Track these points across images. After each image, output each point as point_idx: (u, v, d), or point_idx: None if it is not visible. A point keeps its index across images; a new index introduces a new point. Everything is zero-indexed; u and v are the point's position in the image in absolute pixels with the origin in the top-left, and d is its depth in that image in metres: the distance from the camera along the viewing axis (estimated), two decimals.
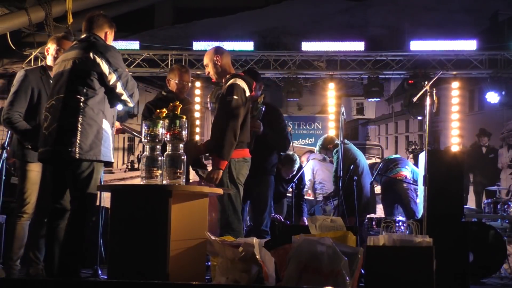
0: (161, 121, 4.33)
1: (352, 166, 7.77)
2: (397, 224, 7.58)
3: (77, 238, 4.61)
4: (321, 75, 11.74)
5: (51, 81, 5.04)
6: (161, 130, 4.32)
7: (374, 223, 7.68)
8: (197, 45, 11.73)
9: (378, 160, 12.34)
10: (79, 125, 4.59)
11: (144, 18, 14.79)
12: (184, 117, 4.39)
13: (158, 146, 4.33)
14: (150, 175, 4.27)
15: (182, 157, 4.29)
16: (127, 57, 11.56)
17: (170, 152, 4.28)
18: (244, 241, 4.29)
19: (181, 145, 4.32)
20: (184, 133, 4.34)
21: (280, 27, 14.35)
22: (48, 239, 4.73)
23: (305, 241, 4.00)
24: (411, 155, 12.50)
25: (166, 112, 4.43)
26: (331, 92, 11.71)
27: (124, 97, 4.79)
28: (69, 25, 11.19)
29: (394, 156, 9.40)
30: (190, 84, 6.28)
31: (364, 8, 14.31)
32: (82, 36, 4.99)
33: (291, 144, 8.82)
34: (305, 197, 8.71)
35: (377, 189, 9.25)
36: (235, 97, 5.33)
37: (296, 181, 7.86)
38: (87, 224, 4.69)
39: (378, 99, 11.61)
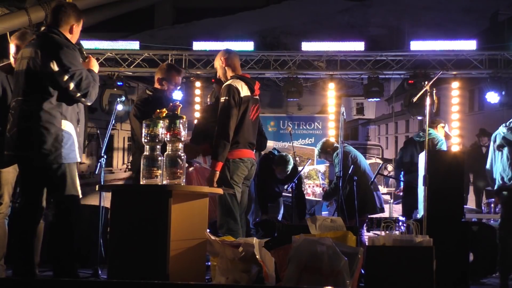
0: (161, 121, 4.32)
1: (352, 167, 7.76)
2: (397, 224, 7.58)
3: (66, 239, 4.60)
4: (321, 75, 11.73)
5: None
6: (161, 130, 4.31)
7: (374, 223, 7.67)
8: (197, 45, 11.71)
9: (379, 160, 12.34)
10: (36, 130, 4.52)
11: (144, 18, 14.82)
12: (184, 117, 4.38)
13: (158, 146, 4.32)
14: (150, 175, 4.27)
15: (182, 157, 4.29)
16: (127, 57, 11.56)
17: (170, 152, 4.28)
18: (244, 241, 4.29)
19: (181, 145, 4.32)
20: (184, 133, 4.34)
21: (280, 27, 14.37)
22: (27, 236, 4.67)
23: (305, 241, 3.99)
24: None
25: (166, 112, 4.42)
26: (331, 92, 11.71)
27: (79, 97, 4.66)
28: None
29: None
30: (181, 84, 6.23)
31: (364, 8, 14.34)
32: (41, 29, 4.87)
33: (291, 144, 8.83)
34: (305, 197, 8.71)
35: (379, 188, 9.25)
36: (226, 98, 5.38)
37: (296, 181, 7.86)
38: (73, 224, 4.65)
39: (378, 99, 11.60)
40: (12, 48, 5.33)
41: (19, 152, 4.61)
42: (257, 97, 5.71)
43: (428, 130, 5.92)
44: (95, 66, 4.99)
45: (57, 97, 4.60)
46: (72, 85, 4.60)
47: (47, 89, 4.58)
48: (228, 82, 5.49)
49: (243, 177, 5.52)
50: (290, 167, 7.99)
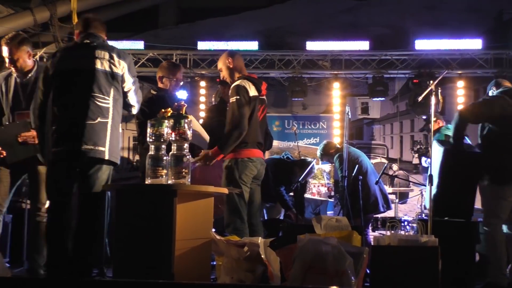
0: (166, 121, 4.33)
1: (356, 166, 7.75)
2: (402, 224, 7.57)
3: (90, 236, 4.64)
4: (326, 75, 11.73)
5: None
6: (166, 129, 4.32)
7: (379, 222, 7.65)
8: (202, 45, 11.73)
9: (384, 160, 12.32)
10: (109, 127, 4.66)
11: (149, 18, 14.82)
12: (190, 116, 4.38)
13: (163, 146, 4.33)
14: (155, 174, 4.27)
15: (187, 157, 4.29)
16: (132, 56, 11.57)
17: (175, 152, 4.28)
18: (249, 241, 4.29)
19: (186, 145, 4.32)
20: (189, 132, 4.34)
21: (285, 26, 14.36)
22: (58, 233, 4.66)
23: (310, 241, 3.99)
24: (416, 155, 12.48)
25: (171, 111, 4.42)
26: (336, 92, 11.70)
27: (133, 102, 4.87)
28: (74, 25, 11.21)
29: None
30: (182, 81, 6.28)
31: (368, 7, 14.32)
32: (89, 36, 4.91)
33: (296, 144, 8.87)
34: (310, 197, 8.73)
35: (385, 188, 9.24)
36: (237, 97, 5.41)
37: (301, 181, 7.88)
38: (99, 223, 4.73)
39: (383, 99, 11.60)
40: (5, 50, 5.46)
41: (85, 146, 4.58)
42: (264, 97, 5.73)
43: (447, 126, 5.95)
44: None
45: (122, 100, 4.81)
46: (131, 92, 4.82)
47: (118, 90, 4.76)
48: (236, 83, 5.52)
49: (251, 176, 5.53)
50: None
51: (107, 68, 4.71)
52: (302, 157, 8.51)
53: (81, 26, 4.98)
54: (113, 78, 4.72)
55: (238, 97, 5.41)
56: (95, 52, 4.74)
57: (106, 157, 4.62)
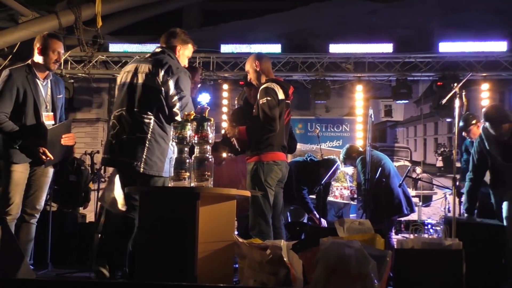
0: (189, 124, 4.34)
1: (379, 169, 7.72)
2: (426, 227, 7.51)
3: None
4: (349, 77, 11.71)
5: (45, 86, 5.29)
6: (189, 132, 4.33)
7: (402, 225, 7.61)
8: (225, 48, 11.76)
9: (407, 163, 12.24)
10: (147, 141, 4.83)
11: (172, 21, 14.86)
12: (212, 119, 4.39)
13: (186, 149, 4.34)
14: (178, 177, 4.28)
15: (210, 159, 4.30)
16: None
17: (198, 155, 4.29)
18: (272, 244, 4.28)
19: (209, 148, 4.33)
20: (212, 135, 4.35)
21: (308, 29, 14.31)
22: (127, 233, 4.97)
23: (333, 244, 3.97)
24: (440, 158, 12.39)
25: (194, 114, 4.43)
26: (359, 94, 11.67)
27: (178, 118, 4.88)
28: (98, 29, 11.33)
29: None
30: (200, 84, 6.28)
31: (392, 9, 14.22)
32: (156, 50, 5.15)
33: (318, 146, 8.86)
34: (333, 199, 8.70)
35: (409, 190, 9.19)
36: (267, 98, 5.42)
37: (323, 184, 7.86)
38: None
39: (406, 101, 11.55)
40: (61, 47, 5.48)
41: (123, 158, 4.87)
42: (289, 101, 5.74)
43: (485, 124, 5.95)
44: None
45: (167, 114, 4.90)
46: (177, 107, 4.88)
47: (162, 106, 4.88)
48: (265, 85, 5.53)
49: (276, 179, 5.55)
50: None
51: (148, 82, 4.87)
52: (325, 157, 8.47)
53: None
54: (156, 92, 4.85)
55: (268, 98, 5.43)
56: (137, 65, 4.99)
57: (141, 171, 4.82)
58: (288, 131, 5.80)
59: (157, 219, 4.24)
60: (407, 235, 7.92)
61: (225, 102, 11.84)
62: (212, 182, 4.28)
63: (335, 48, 11.60)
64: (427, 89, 12.61)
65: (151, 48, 11.74)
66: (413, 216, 8.83)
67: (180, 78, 4.92)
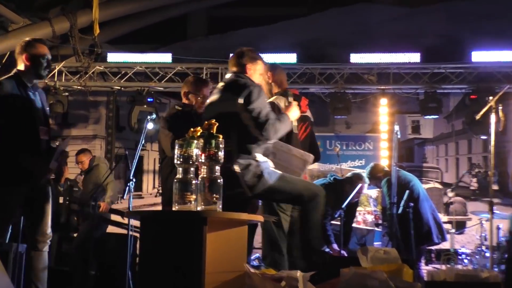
0: (195, 141, 4.33)
1: (407, 192, 7.68)
2: (459, 257, 7.46)
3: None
4: (372, 90, 11.70)
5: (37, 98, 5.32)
6: (195, 150, 4.32)
7: (433, 255, 7.55)
8: None
9: (437, 185, 12.19)
10: (237, 168, 5.00)
11: (177, 28, 14.97)
12: (221, 136, 4.39)
13: (191, 169, 4.33)
14: (183, 200, 4.26)
15: (219, 181, 4.29)
16: (158, 70, 11.69)
17: (205, 175, 4.28)
18: (287, 275, 4.25)
19: (217, 167, 4.32)
20: (221, 154, 4.34)
21: (326, 37, 14.36)
22: None
23: (355, 275, 3.95)
24: (474, 179, 12.33)
25: (201, 130, 4.43)
26: (383, 109, 11.65)
27: (259, 134, 5.03)
28: (95, 37, 11.39)
29: None
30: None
31: (420, 15, 14.26)
32: (228, 76, 5.30)
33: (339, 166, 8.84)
34: (355, 225, 8.66)
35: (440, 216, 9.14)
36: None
37: (345, 208, 7.82)
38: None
39: (436, 116, 11.51)
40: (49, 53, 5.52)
41: (231, 191, 4.87)
42: (307, 114, 5.73)
43: None
44: (292, 113, 5.31)
45: (251, 135, 5.04)
46: (258, 123, 4.99)
47: (243, 129, 5.02)
48: (271, 99, 5.55)
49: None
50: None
51: (227, 109, 5.04)
52: (349, 174, 8.42)
53: None
54: (237, 117, 5.02)
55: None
56: (215, 97, 5.22)
57: (250, 195, 4.99)
58: (306, 147, 5.76)
59: (159, 246, 4.22)
60: (438, 266, 7.86)
61: None
62: (221, 206, 4.26)
63: (356, 58, 11.61)
64: (459, 103, 12.59)
65: (153, 58, 11.83)
66: (445, 245, 8.78)
67: (253, 95, 5.03)
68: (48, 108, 5.65)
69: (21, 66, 5.43)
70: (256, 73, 5.31)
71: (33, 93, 5.43)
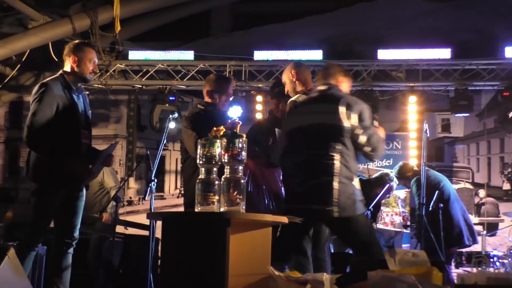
0: (218, 141, 4.35)
1: (436, 192, 7.65)
2: (491, 260, 7.41)
3: None
4: (400, 87, 11.65)
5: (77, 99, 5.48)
6: (218, 150, 4.34)
7: (464, 258, 7.52)
8: (259, 55, 11.81)
9: (468, 185, 12.11)
10: (336, 184, 5.10)
11: (199, 25, 14.99)
12: (244, 135, 4.41)
13: (214, 169, 4.35)
14: (205, 201, 4.29)
15: (242, 181, 4.30)
16: (180, 68, 11.74)
17: (228, 176, 4.30)
18: (313, 278, 4.26)
19: (241, 167, 4.33)
20: (244, 153, 4.35)
21: (353, 33, 14.31)
22: None
23: (383, 278, 3.95)
24: (506, 180, 12.24)
25: (224, 130, 4.45)
26: (412, 107, 11.60)
27: (369, 151, 5.22)
28: (116, 34, 11.45)
29: None
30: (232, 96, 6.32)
31: (450, 10, 14.15)
32: (322, 88, 5.41)
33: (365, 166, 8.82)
34: (382, 227, 8.63)
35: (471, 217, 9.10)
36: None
37: (372, 209, 7.81)
38: None
39: (467, 114, 11.44)
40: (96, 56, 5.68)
41: (316, 206, 5.18)
42: None
43: None
44: (381, 133, 5.52)
45: (353, 151, 5.23)
46: (364, 139, 5.19)
47: (346, 144, 5.18)
48: (292, 98, 5.57)
49: None
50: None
51: (327, 121, 5.18)
52: (376, 174, 8.40)
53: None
54: (338, 130, 5.16)
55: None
56: (307, 107, 5.36)
57: (335, 215, 5.10)
58: None
59: (182, 248, 4.25)
60: (469, 269, 7.82)
61: (259, 115, 11.86)
62: (244, 207, 4.28)
63: (384, 54, 11.57)
64: (491, 100, 12.49)
65: (175, 55, 11.87)
66: (476, 247, 8.73)
67: (361, 109, 5.21)
68: (90, 112, 5.76)
69: (67, 68, 5.58)
70: (345, 86, 5.57)
71: (77, 96, 5.55)
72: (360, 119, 5.16)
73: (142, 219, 9.90)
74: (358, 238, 5.25)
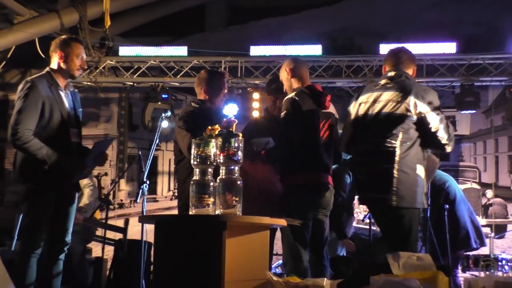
0: (213, 140, 4.34)
1: (443, 193, 7.64)
2: (499, 263, 7.41)
3: None
4: None
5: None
6: (213, 150, 4.33)
7: (471, 261, 7.51)
8: (255, 50, 11.80)
9: (475, 185, 12.11)
10: (396, 172, 5.22)
11: (193, 19, 15.01)
12: (241, 135, 4.40)
13: (209, 170, 4.34)
14: (200, 203, 4.29)
15: (239, 182, 4.29)
16: (173, 65, 11.72)
17: (224, 177, 4.29)
18: (313, 283, 4.26)
19: (237, 168, 4.32)
20: (241, 153, 4.34)
21: (354, 26, 14.34)
22: None
23: (386, 283, 3.94)
24: None
25: (219, 129, 4.44)
26: None
27: (444, 141, 5.29)
28: (106, 29, 11.44)
29: None
30: (227, 92, 6.28)
31: (456, 3, 14.18)
32: (391, 74, 5.49)
33: None
34: None
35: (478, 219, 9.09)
36: (285, 111, 5.52)
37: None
38: None
39: (473, 111, 11.43)
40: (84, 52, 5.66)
41: (375, 194, 5.35)
42: (330, 111, 5.73)
43: None
44: None
45: (418, 142, 5.32)
46: (441, 128, 5.27)
47: (410, 133, 5.27)
48: (289, 96, 5.56)
49: (311, 207, 5.51)
50: None
51: (396, 110, 5.29)
52: None
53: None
54: (403, 120, 5.27)
55: (286, 111, 5.50)
56: (376, 95, 5.43)
57: (394, 204, 5.21)
58: (331, 147, 5.76)
59: (175, 253, 4.24)
60: (476, 273, 7.82)
61: (255, 114, 11.84)
62: (240, 209, 4.27)
63: (387, 49, 11.50)
64: (498, 96, 12.52)
65: (168, 51, 11.86)
66: (484, 250, 8.73)
67: (432, 98, 5.29)
68: (81, 109, 5.75)
69: (54, 64, 5.57)
70: (413, 74, 5.63)
71: (65, 93, 5.53)
72: (433, 108, 5.24)
73: (134, 222, 9.90)
74: (405, 232, 5.29)
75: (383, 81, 5.48)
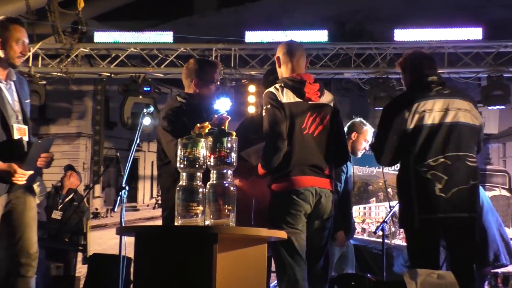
0: (202, 140, 4.33)
1: None
2: None
3: None
4: None
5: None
6: (202, 151, 4.32)
7: (499, 280, 7.54)
8: (251, 36, 11.81)
9: (505, 192, 12.13)
10: (479, 189, 5.62)
11: (180, 1, 15.01)
12: (234, 133, 4.38)
13: (198, 174, 4.34)
14: (187, 213, 4.28)
15: (232, 189, 4.29)
16: (157, 53, 11.74)
17: (215, 182, 4.28)
18: None
19: (230, 172, 4.32)
20: (234, 155, 4.33)
21: (365, 10, 14.38)
22: None
23: None
24: None
25: (210, 127, 4.43)
26: None
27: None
28: (79, 11, 11.43)
29: None
30: (218, 83, 6.22)
31: None
32: (436, 79, 5.73)
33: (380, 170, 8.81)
34: (401, 243, 8.64)
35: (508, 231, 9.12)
36: (267, 107, 5.39)
37: (387, 221, 7.83)
38: None
39: (502, 107, 11.46)
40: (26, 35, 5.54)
41: (466, 214, 5.56)
42: (319, 102, 5.57)
43: None
44: None
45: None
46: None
47: (479, 145, 5.70)
48: (269, 89, 5.47)
49: (302, 214, 5.41)
50: None
51: (470, 121, 5.60)
52: None
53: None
54: (478, 132, 5.66)
55: (268, 106, 5.39)
56: (448, 102, 5.62)
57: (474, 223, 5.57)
58: (323, 145, 5.59)
59: (159, 270, 4.25)
60: None
61: (251, 109, 11.85)
62: (234, 219, 4.27)
63: (402, 35, 11.59)
64: None
65: (151, 37, 11.86)
66: None
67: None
68: (28, 101, 5.67)
69: None
70: None
71: (6, 85, 5.48)
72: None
73: (111, 234, 9.88)
74: (473, 247, 5.64)
75: (435, 88, 5.69)
